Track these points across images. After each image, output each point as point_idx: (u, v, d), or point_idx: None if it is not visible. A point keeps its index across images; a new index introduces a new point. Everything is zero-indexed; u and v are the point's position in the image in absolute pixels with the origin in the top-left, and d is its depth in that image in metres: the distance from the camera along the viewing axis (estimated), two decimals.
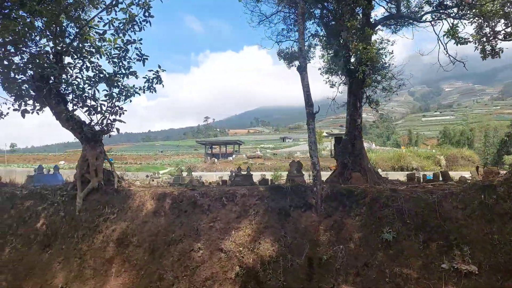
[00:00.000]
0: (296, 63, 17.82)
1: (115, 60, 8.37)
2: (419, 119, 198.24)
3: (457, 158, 30.70)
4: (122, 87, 8.17)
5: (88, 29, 8.55)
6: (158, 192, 7.59)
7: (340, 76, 14.81)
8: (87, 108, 8.21)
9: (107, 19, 8.11)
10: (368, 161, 10.82)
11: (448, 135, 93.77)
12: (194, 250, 6.39)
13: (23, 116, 9.47)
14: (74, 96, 8.16)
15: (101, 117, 8.17)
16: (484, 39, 11.25)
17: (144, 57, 8.36)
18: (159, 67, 8.68)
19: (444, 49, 11.02)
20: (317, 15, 14.43)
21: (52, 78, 7.92)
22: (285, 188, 6.37)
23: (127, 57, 8.26)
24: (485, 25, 11.67)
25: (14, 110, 9.66)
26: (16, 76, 8.33)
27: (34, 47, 7.85)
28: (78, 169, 8.04)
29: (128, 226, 7.27)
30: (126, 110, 8.25)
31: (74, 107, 7.99)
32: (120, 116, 8.21)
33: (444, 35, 12.33)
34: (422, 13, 11.71)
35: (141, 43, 8.26)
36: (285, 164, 39.91)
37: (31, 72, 8.35)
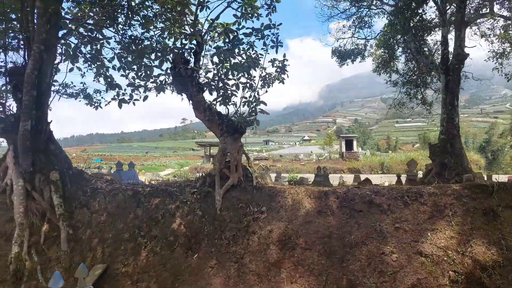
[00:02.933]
0: (348, 61, 17.47)
1: (245, 46, 7.47)
2: (393, 125, 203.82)
3: None
4: (266, 75, 7.27)
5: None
6: (315, 190, 6.80)
7: (412, 74, 14.49)
8: (221, 98, 7.29)
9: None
10: (468, 162, 10.45)
11: (427, 140, 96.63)
12: (385, 254, 5.66)
13: (120, 106, 8.48)
14: (212, 84, 7.19)
15: (237, 107, 7.26)
16: None
17: (279, 44, 7.53)
18: (284, 56, 7.91)
19: None
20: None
21: (191, 63, 6.96)
22: (490, 187, 5.78)
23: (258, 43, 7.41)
24: None
25: (112, 99, 8.63)
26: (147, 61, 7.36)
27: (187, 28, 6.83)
28: (217, 163, 7.08)
29: (287, 227, 6.42)
30: (263, 101, 7.38)
31: (218, 97, 7.01)
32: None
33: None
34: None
35: (278, 29, 7.41)
36: (296, 165, 39.32)
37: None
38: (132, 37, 8.34)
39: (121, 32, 8.61)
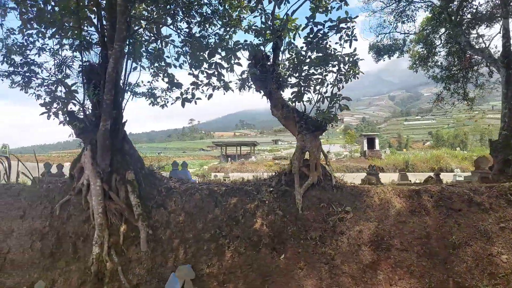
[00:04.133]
0: (385, 57, 17.05)
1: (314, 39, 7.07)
2: (401, 123, 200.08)
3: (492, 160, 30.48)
4: (342, 69, 6.91)
5: None
6: (404, 189, 6.49)
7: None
8: (295, 94, 7.01)
9: None
10: None
11: (440, 138, 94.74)
12: (493, 255, 5.33)
13: (183, 105, 8.30)
14: (286, 80, 6.92)
15: (315, 103, 6.97)
16: None
17: (353, 38, 7.18)
18: (355, 50, 7.56)
19: None
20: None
21: (271, 58, 6.70)
22: None
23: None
24: None
25: (177, 98, 8.44)
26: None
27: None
28: (296, 161, 6.83)
29: (378, 227, 6.13)
30: (347, 97, 6.99)
31: (296, 93, 6.71)
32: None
33: None
34: None
35: (355, 22, 7.06)
36: None
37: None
38: (198, 35, 8.16)
39: (183, 31, 8.45)
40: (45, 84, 7.11)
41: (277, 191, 7.01)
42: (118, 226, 6.86)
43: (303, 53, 6.36)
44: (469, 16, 13.05)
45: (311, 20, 6.30)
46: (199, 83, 8.31)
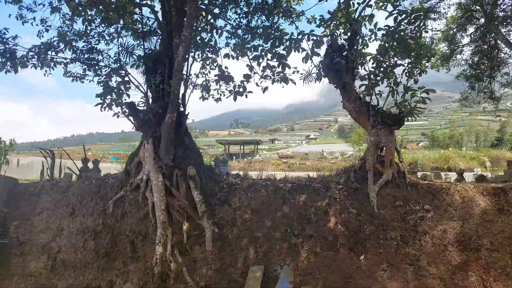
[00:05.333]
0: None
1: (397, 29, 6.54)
2: None
3: (499, 160, 30.68)
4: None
5: None
6: (488, 186, 6.17)
7: None
8: (365, 87, 6.62)
9: None
10: None
11: (436, 138, 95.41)
12: None
13: (235, 99, 7.90)
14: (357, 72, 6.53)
15: (386, 97, 6.60)
16: None
17: (423, 29, 6.80)
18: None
19: None
20: None
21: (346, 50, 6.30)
22: None
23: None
24: None
25: (230, 92, 8.02)
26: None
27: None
28: (370, 157, 6.45)
29: (463, 226, 5.80)
30: (430, 89, 6.54)
31: (375, 84, 6.30)
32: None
33: None
34: None
35: (432, 11, 6.74)
36: (325, 163, 38.29)
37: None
38: (251, 26, 7.73)
39: (236, 21, 8.02)
40: (100, 73, 6.60)
41: (347, 189, 6.63)
42: (181, 224, 6.41)
43: (386, 44, 5.94)
44: (501, 13, 12.86)
45: (396, 8, 5.91)
46: (251, 75, 7.91)
